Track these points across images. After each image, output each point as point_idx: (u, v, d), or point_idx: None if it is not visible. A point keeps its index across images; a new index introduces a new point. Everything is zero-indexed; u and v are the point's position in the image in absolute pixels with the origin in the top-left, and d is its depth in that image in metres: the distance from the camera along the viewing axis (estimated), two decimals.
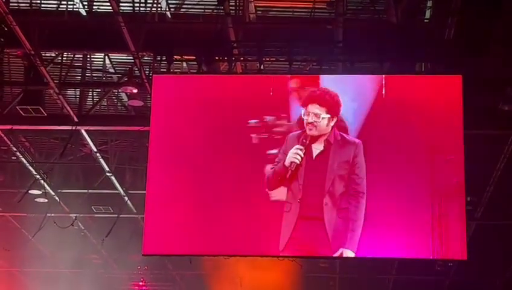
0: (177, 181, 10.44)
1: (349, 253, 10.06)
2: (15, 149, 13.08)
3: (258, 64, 10.52)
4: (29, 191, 14.28)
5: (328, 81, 10.41)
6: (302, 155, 10.08)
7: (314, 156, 10.18)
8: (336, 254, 10.25)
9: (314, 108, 10.14)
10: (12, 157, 13.63)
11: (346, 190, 10.10)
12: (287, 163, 10.12)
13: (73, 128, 12.11)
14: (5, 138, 12.67)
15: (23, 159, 13.38)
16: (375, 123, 10.25)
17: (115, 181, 14.18)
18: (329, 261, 16.78)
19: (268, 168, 10.26)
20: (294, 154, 10.09)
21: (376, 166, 10.15)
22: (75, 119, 12.03)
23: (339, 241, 10.06)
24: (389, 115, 10.29)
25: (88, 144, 13.00)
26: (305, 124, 10.13)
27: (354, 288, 18.55)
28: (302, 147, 10.07)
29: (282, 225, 10.19)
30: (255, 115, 10.38)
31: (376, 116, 10.26)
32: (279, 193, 10.26)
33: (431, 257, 10.12)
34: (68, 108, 11.87)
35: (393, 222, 10.05)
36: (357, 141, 10.14)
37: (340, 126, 10.17)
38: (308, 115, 10.10)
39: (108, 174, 13.93)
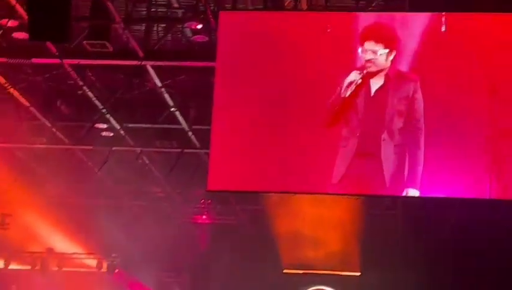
0: (242, 117, 10.46)
1: (411, 191, 10.00)
2: (81, 83, 13.20)
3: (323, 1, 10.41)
4: (95, 125, 14.46)
5: (387, 18, 10.27)
6: (359, 83, 9.97)
7: (373, 92, 10.08)
8: (397, 192, 10.21)
9: (371, 45, 10.01)
10: (79, 92, 13.76)
11: (404, 126, 10.00)
12: (343, 94, 10.03)
13: (139, 63, 12.17)
14: (71, 72, 12.80)
15: (89, 93, 13.50)
16: (434, 60, 10.09)
17: (179, 116, 14.25)
18: (392, 199, 16.66)
19: (327, 104, 10.22)
20: (350, 85, 10.00)
21: (434, 103, 10.03)
22: (141, 54, 12.07)
23: (398, 178, 10.00)
24: (448, 53, 10.11)
25: (153, 79, 13.05)
26: (364, 61, 10.00)
27: (417, 226, 18.43)
28: (359, 78, 9.95)
29: (338, 161, 10.16)
30: (316, 52, 10.31)
31: (434, 53, 10.10)
32: (338, 129, 10.22)
33: (489, 197, 10.00)
34: (134, 43, 11.90)
35: (452, 160, 9.95)
36: (416, 77, 10.01)
37: (399, 61, 10.03)
38: (366, 52, 9.97)
39: (172, 109, 13.99)
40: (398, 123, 10.00)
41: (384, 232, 18.51)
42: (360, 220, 17.63)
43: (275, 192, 11.91)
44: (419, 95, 9.98)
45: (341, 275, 19.55)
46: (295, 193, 11.89)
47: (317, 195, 12.86)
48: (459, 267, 18.58)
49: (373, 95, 10.05)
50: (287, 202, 16.54)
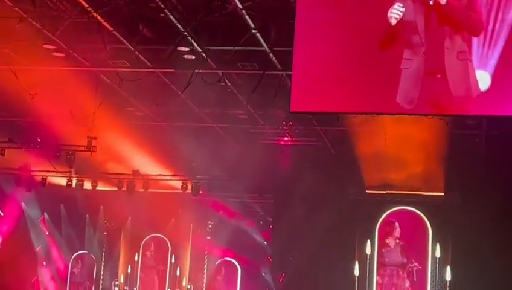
0: (324, 38, 10.41)
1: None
2: (163, 6, 13.23)
3: None
4: (177, 48, 14.54)
5: None
6: None
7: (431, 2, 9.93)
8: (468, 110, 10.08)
9: None
10: (161, 15, 13.80)
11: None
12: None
13: None
14: None
15: (171, 16, 13.53)
16: None
17: (260, 38, 14.20)
18: (476, 118, 16.40)
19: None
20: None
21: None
22: None
23: (467, 92, 9.87)
24: None
25: (234, 0, 12.99)
26: None
27: (501, 144, 18.11)
28: None
29: (410, 81, 10.07)
30: None
31: None
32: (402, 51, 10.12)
33: None
34: None
35: None
36: None
37: None
38: None
39: (253, 31, 13.95)
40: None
41: (467, 152, 18.31)
42: (443, 140, 17.45)
43: (358, 113, 11.90)
44: None
45: (424, 195, 19.47)
46: (377, 113, 11.84)
47: (399, 116, 12.76)
48: None
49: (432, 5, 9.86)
50: (369, 122, 16.46)
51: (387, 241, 19.50)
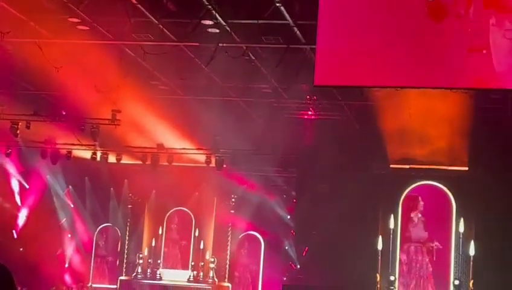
0: (349, 12, 10.35)
1: None
2: None
3: None
4: (201, 21, 14.53)
5: None
6: None
7: None
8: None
9: None
10: None
11: None
12: None
13: None
14: None
15: None
16: None
17: (284, 11, 14.15)
18: (501, 93, 16.28)
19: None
20: None
21: None
22: None
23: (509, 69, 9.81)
24: None
25: None
26: None
27: None
28: None
29: (450, 56, 10.00)
30: None
31: None
32: (447, 25, 10.04)
33: None
34: None
35: None
36: None
37: None
38: None
39: (277, 4, 13.90)
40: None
41: (492, 126, 18.20)
42: (468, 115, 17.35)
43: (382, 87, 11.83)
44: None
45: (448, 170, 19.40)
46: (402, 87, 11.79)
47: (424, 89, 12.71)
48: None
49: None
50: (393, 97, 16.40)
51: (412, 216, 19.47)
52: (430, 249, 19.30)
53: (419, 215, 19.46)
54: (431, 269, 19.20)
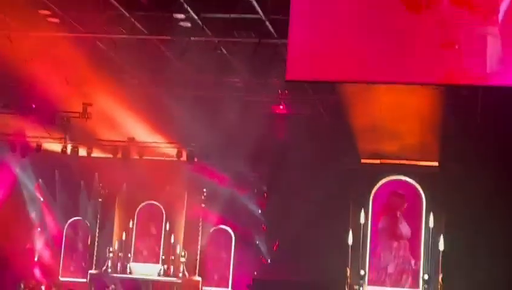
0: (320, 6, 10.34)
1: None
2: None
3: None
4: (173, 15, 14.48)
5: None
6: None
7: None
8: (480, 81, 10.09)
9: None
10: None
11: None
12: None
13: None
14: None
15: None
16: None
17: (256, 5, 14.14)
18: (471, 88, 16.37)
19: None
20: None
21: None
22: None
23: (481, 66, 9.87)
24: None
25: None
26: None
27: (497, 114, 18.08)
28: None
29: (419, 49, 10.03)
30: None
31: None
32: (421, 19, 10.07)
33: None
34: None
35: None
36: None
37: None
38: None
39: None
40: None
41: (462, 122, 18.30)
42: (438, 110, 17.45)
43: (354, 82, 11.84)
44: None
45: (418, 165, 19.49)
46: (374, 82, 11.81)
47: (395, 85, 12.75)
48: None
49: None
50: (364, 92, 16.45)
51: (398, 215, 19.52)
52: (399, 244, 19.40)
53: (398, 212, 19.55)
54: (401, 264, 19.30)
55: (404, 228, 19.43)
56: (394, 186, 19.65)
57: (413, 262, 19.19)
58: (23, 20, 14.76)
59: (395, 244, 19.41)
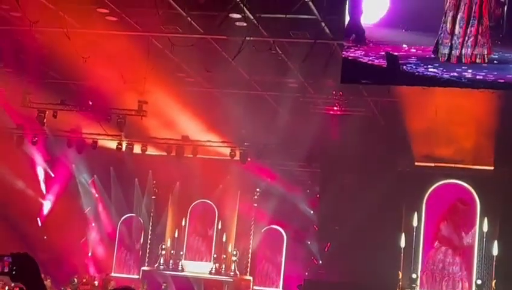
0: None
1: None
2: None
3: None
4: (229, 15, 14.53)
5: None
6: None
7: None
8: None
9: None
10: None
11: None
12: None
13: None
14: None
15: None
16: None
17: (312, 6, 14.13)
18: None
19: None
20: None
21: None
22: None
23: None
24: None
25: None
26: None
27: None
28: None
29: None
30: None
31: None
32: None
33: None
34: None
35: None
36: None
37: None
38: None
39: None
40: None
41: None
42: (494, 114, 17.24)
43: (411, 85, 11.76)
44: None
45: (473, 169, 19.28)
46: (429, 86, 11.71)
47: (451, 88, 12.63)
48: None
49: None
50: (420, 94, 16.31)
51: (455, 219, 19.32)
52: (453, 248, 19.22)
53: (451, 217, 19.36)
54: (454, 268, 19.11)
55: (460, 233, 19.23)
56: (448, 190, 19.46)
57: (466, 266, 18.99)
58: (82, 18, 14.97)
59: (449, 248, 19.22)
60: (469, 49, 10.78)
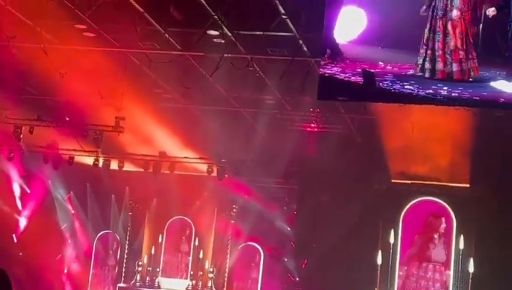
0: None
1: None
2: None
3: None
4: (207, 32, 14.58)
5: None
6: None
7: None
8: None
9: None
10: None
11: None
12: None
13: None
14: None
15: (201, 0, 13.57)
16: None
17: (290, 24, 14.20)
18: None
19: None
20: None
21: None
22: None
23: None
24: None
25: None
26: None
27: None
28: None
29: None
30: None
31: None
32: None
33: None
34: None
35: None
36: None
37: None
38: None
39: (283, 16, 13.95)
40: None
41: (494, 144, 18.18)
42: (470, 131, 17.37)
43: (387, 102, 11.82)
44: None
45: (449, 186, 19.39)
46: (406, 103, 11.79)
47: (427, 106, 12.72)
48: None
49: None
50: (396, 112, 16.41)
51: (435, 237, 19.37)
52: (429, 265, 19.27)
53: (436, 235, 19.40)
54: (430, 284, 19.16)
55: (436, 250, 19.29)
56: (425, 207, 19.54)
57: (441, 284, 19.04)
58: (59, 34, 14.94)
59: (425, 266, 19.27)
60: (455, 65, 10.90)
